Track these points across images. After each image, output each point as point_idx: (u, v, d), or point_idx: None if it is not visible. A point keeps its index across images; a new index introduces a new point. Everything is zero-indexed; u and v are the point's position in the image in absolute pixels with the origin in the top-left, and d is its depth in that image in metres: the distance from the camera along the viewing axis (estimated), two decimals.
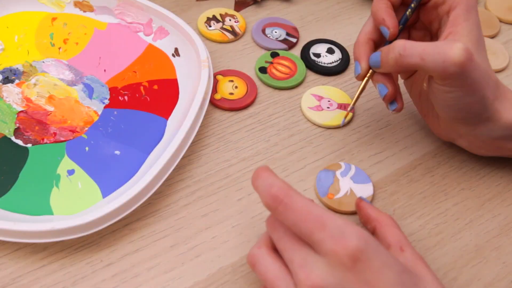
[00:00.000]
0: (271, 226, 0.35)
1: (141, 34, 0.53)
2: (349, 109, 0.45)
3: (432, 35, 0.45)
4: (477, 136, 0.43)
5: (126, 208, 0.39)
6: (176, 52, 0.52)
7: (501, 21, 0.62)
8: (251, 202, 0.43)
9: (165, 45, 0.53)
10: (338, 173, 0.45)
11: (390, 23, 0.42)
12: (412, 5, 0.43)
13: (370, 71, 0.43)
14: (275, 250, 0.35)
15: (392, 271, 0.31)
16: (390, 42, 0.42)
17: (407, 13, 0.43)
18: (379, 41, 0.44)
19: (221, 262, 0.40)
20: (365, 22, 0.44)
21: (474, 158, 0.48)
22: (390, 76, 0.43)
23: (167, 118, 0.47)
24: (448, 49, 0.37)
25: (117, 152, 0.44)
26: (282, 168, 0.46)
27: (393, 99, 0.43)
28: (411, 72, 0.46)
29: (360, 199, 0.41)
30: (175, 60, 0.52)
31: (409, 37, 0.46)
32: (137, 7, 0.53)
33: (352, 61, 0.55)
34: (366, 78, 0.43)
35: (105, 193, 0.42)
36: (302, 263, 0.32)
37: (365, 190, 0.44)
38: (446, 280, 0.40)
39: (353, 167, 0.45)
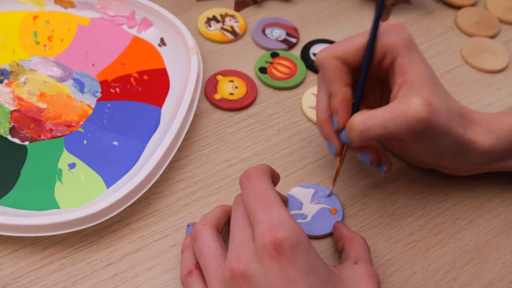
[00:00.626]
0: (236, 203, 0.36)
1: (125, 27, 0.54)
2: (331, 187, 0.43)
3: (381, 82, 0.43)
4: (457, 164, 0.43)
5: (135, 194, 0.40)
6: (162, 42, 0.52)
7: (501, 21, 0.62)
8: None
9: (150, 36, 0.53)
10: (313, 193, 0.44)
11: (342, 118, 0.39)
12: (355, 98, 0.40)
13: (344, 148, 0.41)
14: (218, 229, 0.37)
15: (316, 277, 0.31)
16: (357, 105, 0.40)
17: (356, 98, 0.40)
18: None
19: None
20: (318, 98, 0.41)
21: None
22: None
23: (160, 107, 0.48)
24: (406, 109, 0.36)
25: (115, 143, 0.45)
26: (282, 168, 0.46)
27: (378, 162, 0.41)
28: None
29: (339, 222, 0.41)
30: (162, 50, 0.52)
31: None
32: (118, 0, 0.53)
33: None
34: (343, 153, 0.41)
35: (108, 184, 0.42)
36: (238, 243, 0.32)
37: (332, 219, 0.42)
38: (446, 280, 0.40)
39: (335, 197, 0.44)
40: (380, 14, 0.38)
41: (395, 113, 0.36)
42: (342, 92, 0.39)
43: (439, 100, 0.37)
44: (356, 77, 0.40)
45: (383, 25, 0.40)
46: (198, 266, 0.36)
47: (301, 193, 0.43)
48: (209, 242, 0.35)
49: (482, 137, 0.40)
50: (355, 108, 0.39)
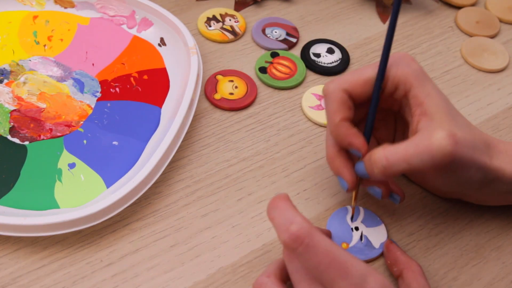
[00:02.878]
0: (288, 257, 0.33)
1: (124, 27, 0.54)
2: (353, 206, 0.42)
3: (398, 118, 0.42)
4: (484, 194, 0.41)
5: (135, 193, 0.40)
6: (162, 42, 0.52)
7: (501, 21, 0.62)
8: (251, 202, 0.43)
9: (150, 36, 0.53)
10: (347, 218, 0.42)
11: (358, 143, 0.38)
12: (368, 117, 0.39)
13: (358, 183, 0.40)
14: (283, 280, 0.35)
15: None
16: (370, 133, 0.39)
17: (368, 124, 0.39)
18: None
19: (221, 262, 0.40)
20: (327, 133, 0.40)
21: None
22: None
23: (160, 107, 0.48)
24: (430, 144, 0.35)
25: (115, 142, 0.45)
26: (282, 168, 0.46)
27: (389, 194, 0.40)
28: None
29: (390, 241, 0.40)
30: (161, 50, 0.52)
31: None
32: (118, 0, 0.53)
33: (352, 61, 0.55)
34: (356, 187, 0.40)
35: (108, 183, 0.42)
36: None
37: (378, 233, 0.41)
38: (446, 280, 0.40)
39: (361, 209, 0.43)
40: (390, 45, 0.38)
41: (419, 148, 0.35)
42: (353, 133, 0.38)
43: (461, 130, 0.36)
44: (366, 110, 0.39)
45: (392, 56, 0.39)
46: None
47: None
48: None
49: (509, 165, 0.39)
50: (367, 137, 0.39)
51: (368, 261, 0.40)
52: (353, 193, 0.41)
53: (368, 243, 0.41)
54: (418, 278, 0.37)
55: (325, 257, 0.31)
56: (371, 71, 0.39)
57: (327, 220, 0.42)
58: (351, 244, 0.40)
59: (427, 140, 0.35)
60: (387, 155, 0.36)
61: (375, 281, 0.31)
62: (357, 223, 0.42)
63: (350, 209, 0.42)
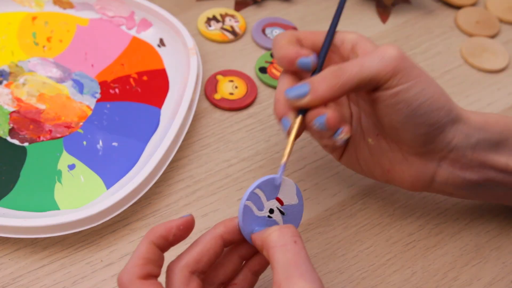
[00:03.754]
0: None
1: (123, 28, 0.54)
2: (282, 165, 0.35)
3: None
4: (454, 153, 0.38)
5: (135, 194, 0.40)
6: (162, 43, 0.52)
7: (501, 21, 0.62)
8: None
9: (150, 37, 0.53)
10: (255, 213, 0.34)
11: (304, 51, 0.36)
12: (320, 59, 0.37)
13: (299, 119, 0.36)
14: None
15: None
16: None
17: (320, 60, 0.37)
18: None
19: None
20: (279, 83, 0.37)
21: None
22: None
23: (160, 107, 0.48)
24: (381, 50, 0.35)
25: (115, 143, 0.45)
26: None
27: (338, 123, 0.35)
28: (342, 149, 0.41)
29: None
30: (161, 51, 0.52)
31: None
32: (117, 0, 0.53)
33: None
34: (295, 127, 0.36)
35: (108, 185, 0.42)
36: None
37: (288, 186, 0.35)
38: (446, 280, 0.40)
39: (257, 192, 0.35)
40: (340, 15, 0.39)
41: (370, 56, 0.35)
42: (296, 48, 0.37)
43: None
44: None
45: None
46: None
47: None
48: None
49: (474, 115, 0.38)
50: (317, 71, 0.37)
51: None
52: (287, 149, 0.35)
53: (290, 208, 0.35)
54: None
55: None
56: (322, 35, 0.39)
57: (244, 235, 0.34)
58: (282, 224, 0.35)
59: (378, 49, 0.36)
60: (339, 64, 0.35)
61: None
62: (266, 206, 0.35)
63: (248, 205, 0.34)
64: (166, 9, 0.53)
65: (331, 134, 0.36)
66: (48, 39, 0.52)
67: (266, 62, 0.54)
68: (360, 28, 0.59)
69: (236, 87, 0.51)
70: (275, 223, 0.35)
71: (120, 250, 0.40)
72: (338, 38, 0.38)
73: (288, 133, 0.36)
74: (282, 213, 0.35)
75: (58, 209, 0.40)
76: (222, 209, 0.43)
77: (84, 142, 0.45)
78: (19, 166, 0.43)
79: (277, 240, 0.31)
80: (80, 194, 0.41)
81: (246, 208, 0.34)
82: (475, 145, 0.38)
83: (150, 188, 0.42)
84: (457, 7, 0.63)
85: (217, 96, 0.50)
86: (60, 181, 0.42)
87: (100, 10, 0.54)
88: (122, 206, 0.40)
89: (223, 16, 0.58)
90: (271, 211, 0.35)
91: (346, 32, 0.38)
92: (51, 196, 0.41)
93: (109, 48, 0.52)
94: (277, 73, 0.52)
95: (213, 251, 0.33)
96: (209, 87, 0.50)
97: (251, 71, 0.53)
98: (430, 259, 0.41)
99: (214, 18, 0.57)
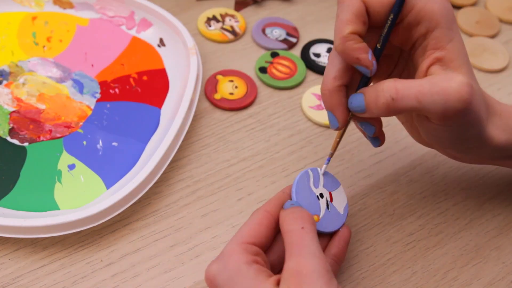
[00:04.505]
0: None
1: (123, 28, 0.54)
2: (329, 158, 0.39)
3: (401, 57, 0.39)
4: (466, 154, 0.39)
5: (135, 194, 0.40)
6: (162, 43, 0.52)
7: (501, 21, 0.62)
8: (251, 202, 0.43)
9: (150, 36, 0.53)
10: (311, 185, 0.38)
11: (367, 59, 0.34)
12: (382, 36, 0.35)
13: (350, 120, 0.37)
14: None
15: None
16: (367, 80, 0.36)
17: (378, 46, 0.35)
18: (350, 83, 0.36)
19: None
20: (328, 66, 0.36)
21: None
22: None
23: (160, 107, 0.48)
24: (448, 87, 0.32)
25: (114, 143, 0.45)
26: (282, 168, 0.46)
27: (379, 136, 0.37)
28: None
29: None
30: (161, 50, 0.52)
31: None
32: (117, 0, 0.53)
33: None
34: (345, 128, 0.37)
35: (108, 185, 0.42)
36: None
37: (340, 197, 0.39)
38: (446, 280, 0.40)
39: (319, 171, 0.39)
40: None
41: (435, 88, 0.32)
42: (363, 48, 0.34)
43: (475, 83, 0.34)
44: (374, 39, 0.35)
45: None
46: None
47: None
48: None
49: (499, 131, 0.36)
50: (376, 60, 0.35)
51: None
52: (335, 140, 0.38)
53: (334, 210, 0.38)
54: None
55: None
56: None
57: (293, 190, 0.37)
58: (321, 215, 0.38)
59: (445, 83, 0.32)
60: (397, 87, 0.33)
61: (215, 261, 0.33)
62: (320, 188, 0.39)
63: (310, 173, 0.38)
64: (166, 9, 0.53)
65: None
66: (48, 39, 0.52)
67: (266, 62, 0.53)
68: None
69: (236, 87, 0.51)
70: (318, 208, 0.38)
71: (120, 250, 0.40)
72: (414, 15, 0.34)
73: (339, 129, 0.37)
74: (327, 206, 0.38)
75: (58, 209, 0.40)
76: (222, 209, 0.43)
77: (84, 142, 0.45)
78: (19, 166, 0.43)
79: (287, 224, 0.33)
80: (80, 194, 0.41)
81: (305, 174, 0.38)
82: (485, 157, 0.39)
83: (150, 188, 0.42)
84: (457, 7, 0.63)
85: (217, 96, 0.50)
86: (60, 181, 0.42)
87: (100, 10, 0.54)
88: (122, 206, 0.40)
89: (223, 16, 0.57)
90: (321, 195, 0.38)
91: (427, 6, 0.34)
92: (51, 196, 0.41)
93: (109, 48, 0.52)
94: (277, 73, 0.52)
95: (264, 226, 0.35)
96: (209, 87, 0.50)
97: (251, 71, 0.53)
98: (430, 259, 0.41)
99: (214, 18, 0.57)
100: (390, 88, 0.33)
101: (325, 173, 0.40)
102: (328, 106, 0.36)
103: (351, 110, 0.36)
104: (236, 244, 0.33)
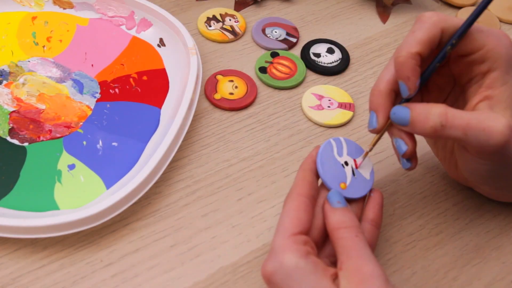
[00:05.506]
0: None
1: (123, 28, 0.54)
2: (368, 150, 0.40)
3: (452, 91, 0.41)
4: (500, 193, 0.42)
5: (135, 194, 0.40)
6: (161, 42, 0.52)
7: (501, 21, 0.62)
8: (251, 202, 0.43)
9: (150, 36, 0.53)
10: (335, 154, 0.39)
11: (414, 82, 0.36)
12: (437, 63, 0.38)
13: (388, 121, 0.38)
14: None
15: None
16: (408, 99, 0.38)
17: (426, 74, 0.38)
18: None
19: (221, 262, 0.40)
20: (385, 68, 0.38)
21: None
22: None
23: (160, 107, 0.48)
24: (493, 126, 0.34)
25: (114, 143, 0.45)
26: (282, 168, 0.46)
27: (411, 156, 0.38)
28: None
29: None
30: (161, 50, 0.52)
31: (427, 81, 0.41)
32: (117, 0, 0.53)
33: (352, 61, 0.55)
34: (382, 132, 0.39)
35: (108, 184, 0.42)
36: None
37: (365, 162, 0.40)
38: (446, 280, 0.40)
39: (342, 140, 0.40)
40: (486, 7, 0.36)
41: (481, 125, 0.34)
42: (416, 71, 0.36)
43: None
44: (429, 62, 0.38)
45: (486, 24, 0.38)
46: None
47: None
48: None
49: None
50: (426, 77, 0.37)
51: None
52: (374, 139, 0.39)
53: (360, 176, 0.39)
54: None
55: None
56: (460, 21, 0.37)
57: (318, 162, 0.38)
58: (348, 183, 0.38)
59: (492, 121, 0.35)
60: (448, 115, 0.35)
61: (270, 259, 0.34)
62: (344, 157, 0.39)
63: (333, 142, 0.39)
64: (166, 9, 0.53)
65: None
66: (48, 39, 0.52)
67: (266, 62, 0.53)
68: (360, 28, 0.59)
69: (236, 87, 0.51)
70: (344, 176, 0.38)
71: (120, 250, 0.40)
72: (481, 53, 0.37)
73: (374, 132, 0.38)
74: (353, 173, 0.39)
75: (58, 209, 0.40)
76: (222, 209, 0.43)
77: (84, 142, 0.45)
78: (19, 166, 0.43)
79: (340, 232, 0.35)
80: (80, 194, 0.41)
81: (328, 144, 0.39)
82: None
83: (150, 188, 0.42)
84: (458, 7, 0.63)
85: (217, 96, 0.50)
86: (60, 181, 0.42)
87: (99, 10, 0.54)
88: (122, 206, 0.39)
89: (223, 16, 0.57)
90: (346, 163, 0.39)
91: (494, 46, 0.36)
92: (51, 196, 0.41)
93: (109, 48, 0.52)
94: (277, 73, 0.52)
95: (303, 212, 0.36)
96: (209, 87, 0.50)
97: (251, 71, 0.53)
98: (430, 259, 0.41)
99: (214, 18, 0.57)
100: (442, 114, 0.35)
101: (348, 141, 0.40)
102: (373, 106, 0.38)
103: (392, 120, 0.37)
104: (284, 238, 0.34)
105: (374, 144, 0.39)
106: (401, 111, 0.36)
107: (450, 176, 0.45)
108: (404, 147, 0.38)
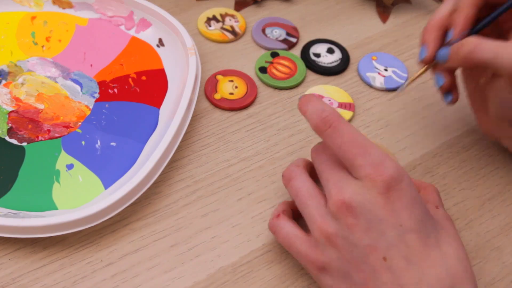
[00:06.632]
0: (316, 152, 0.37)
1: (123, 28, 0.54)
2: (406, 84, 0.45)
3: (500, 32, 0.44)
4: None
5: (133, 194, 0.40)
6: (161, 43, 0.52)
7: None
8: (251, 202, 0.43)
9: (149, 36, 0.53)
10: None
11: (459, 32, 0.41)
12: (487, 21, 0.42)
13: (426, 67, 0.43)
14: (311, 175, 0.38)
15: (418, 208, 0.34)
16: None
17: (481, 25, 0.42)
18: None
19: (221, 262, 0.40)
20: (442, 6, 0.43)
21: (474, 158, 0.48)
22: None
23: (159, 107, 0.48)
24: None
25: (113, 143, 0.45)
26: (282, 168, 0.46)
27: (448, 90, 0.43)
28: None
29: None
30: (160, 50, 0.52)
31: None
32: (117, 0, 0.53)
33: (352, 61, 0.55)
34: (425, 68, 0.43)
35: (106, 185, 0.42)
36: (337, 180, 0.35)
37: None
38: None
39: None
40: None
41: (509, 48, 0.36)
42: (468, 9, 0.40)
43: None
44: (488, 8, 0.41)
45: None
46: (285, 212, 0.39)
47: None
48: (306, 181, 0.37)
49: None
50: (474, 31, 0.41)
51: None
52: (417, 73, 0.44)
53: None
54: (432, 194, 0.39)
55: (349, 137, 0.34)
56: None
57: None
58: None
59: None
60: (480, 40, 0.38)
61: (391, 163, 0.33)
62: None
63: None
64: (166, 9, 0.53)
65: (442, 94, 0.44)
66: (47, 39, 0.52)
67: (266, 62, 0.53)
68: (360, 28, 0.59)
69: (236, 87, 0.51)
70: None
71: (120, 250, 0.40)
72: None
73: (422, 62, 0.43)
74: None
75: (56, 209, 0.40)
76: (222, 209, 0.43)
77: (83, 142, 0.45)
78: (17, 165, 0.43)
79: None
80: (78, 194, 0.41)
81: None
82: None
83: (150, 188, 0.42)
84: None
85: (217, 96, 0.50)
86: (58, 181, 0.42)
87: (99, 10, 0.54)
88: (120, 206, 0.39)
89: (223, 16, 0.57)
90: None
91: None
92: (49, 196, 0.41)
93: (108, 48, 0.52)
94: (277, 73, 0.52)
95: None
96: (209, 87, 0.50)
97: (251, 71, 0.53)
98: None
99: (214, 18, 0.57)
100: (472, 41, 0.38)
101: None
102: (425, 39, 0.42)
103: (436, 60, 0.42)
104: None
105: (418, 76, 0.44)
106: (443, 50, 0.41)
107: (481, 130, 0.46)
108: (441, 80, 0.42)
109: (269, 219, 0.40)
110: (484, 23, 0.41)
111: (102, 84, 0.49)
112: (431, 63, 0.43)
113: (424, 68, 0.43)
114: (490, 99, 0.42)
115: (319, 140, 0.48)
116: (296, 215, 0.39)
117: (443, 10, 0.42)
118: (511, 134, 0.44)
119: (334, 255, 0.34)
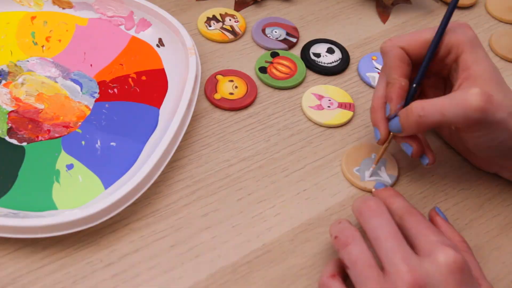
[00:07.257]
0: (370, 211, 0.36)
1: (122, 28, 0.54)
2: (374, 164, 0.45)
3: (444, 79, 0.45)
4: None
5: (133, 194, 0.40)
6: (161, 42, 0.52)
7: (501, 21, 0.62)
8: (251, 202, 0.43)
9: (149, 36, 0.53)
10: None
11: (394, 106, 0.41)
12: (414, 85, 0.42)
13: (390, 136, 0.43)
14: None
15: None
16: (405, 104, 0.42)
17: (414, 85, 0.42)
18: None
19: (221, 262, 0.40)
20: (377, 86, 0.43)
21: None
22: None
23: (158, 107, 0.48)
24: (464, 99, 0.37)
25: (113, 143, 0.45)
26: (282, 168, 0.46)
27: (420, 154, 0.42)
28: None
29: (436, 212, 0.42)
30: (160, 50, 0.52)
31: (421, 87, 0.45)
32: (117, 0, 0.53)
33: (352, 61, 0.55)
34: (387, 141, 0.43)
35: (106, 185, 0.42)
36: (406, 256, 0.33)
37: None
38: None
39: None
40: (452, 12, 0.41)
41: (454, 100, 0.37)
42: (399, 82, 0.41)
43: (501, 95, 0.38)
44: (416, 71, 0.42)
45: (450, 24, 0.41)
46: (340, 273, 0.37)
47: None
48: (365, 251, 0.35)
49: None
50: (409, 99, 0.41)
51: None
52: (381, 150, 0.44)
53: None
54: (469, 257, 0.38)
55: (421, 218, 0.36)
56: (429, 34, 0.41)
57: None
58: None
59: (462, 95, 0.37)
60: (423, 105, 0.38)
61: (457, 249, 0.34)
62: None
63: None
64: (166, 9, 0.53)
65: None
66: (47, 39, 0.52)
67: (266, 62, 0.53)
68: (360, 28, 0.59)
69: (236, 87, 0.51)
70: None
71: (120, 250, 0.40)
72: (444, 46, 0.41)
73: (379, 143, 0.43)
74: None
75: (56, 209, 0.40)
76: (222, 209, 0.43)
77: (83, 142, 0.45)
78: (17, 165, 0.43)
79: None
80: (78, 194, 0.41)
81: None
82: None
83: (150, 188, 0.42)
84: (457, 7, 0.63)
85: (217, 96, 0.50)
86: (58, 181, 0.42)
87: (99, 10, 0.54)
88: (120, 206, 0.39)
89: (223, 16, 0.57)
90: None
91: (453, 38, 0.40)
92: (49, 196, 0.41)
93: (108, 48, 0.52)
94: (277, 73, 0.52)
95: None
96: (209, 87, 0.50)
97: (251, 71, 0.53)
98: None
99: (214, 18, 0.57)
100: (417, 108, 0.39)
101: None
102: (373, 121, 0.43)
103: (391, 132, 0.42)
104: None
105: (381, 157, 0.44)
106: (394, 122, 0.41)
107: (476, 166, 0.47)
108: (409, 149, 0.42)
109: (320, 275, 0.37)
110: (418, 77, 0.42)
111: (102, 84, 0.49)
112: (390, 139, 0.43)
113: (386, 145, 0.43)
114: (468, 141, 0.42)
115: (319, 140, 0.48)
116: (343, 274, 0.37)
117: (379, 88, 0.43)
118: (506, 164, 0.44)
119: None
